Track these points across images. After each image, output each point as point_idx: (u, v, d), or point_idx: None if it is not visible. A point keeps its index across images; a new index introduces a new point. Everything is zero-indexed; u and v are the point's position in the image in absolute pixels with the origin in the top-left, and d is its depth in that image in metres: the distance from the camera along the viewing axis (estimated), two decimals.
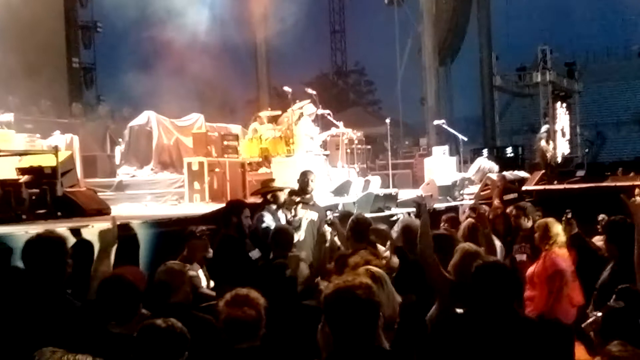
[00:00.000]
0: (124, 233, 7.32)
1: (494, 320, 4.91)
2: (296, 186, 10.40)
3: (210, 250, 8.18)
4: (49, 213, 10.47)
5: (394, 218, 12.65)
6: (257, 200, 10.95)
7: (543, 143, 23.77)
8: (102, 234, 5.33)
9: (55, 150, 12.07)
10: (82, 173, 14.18)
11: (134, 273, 5.19)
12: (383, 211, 13.27)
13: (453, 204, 15.87)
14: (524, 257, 9.06)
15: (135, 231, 8.53)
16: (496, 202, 12.69)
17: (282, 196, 10.16)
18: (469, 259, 5.82)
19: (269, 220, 9.47)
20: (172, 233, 8.92)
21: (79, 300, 5.01)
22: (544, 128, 26.43)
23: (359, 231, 7.70)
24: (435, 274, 5.83)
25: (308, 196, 10.15)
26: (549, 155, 23.46)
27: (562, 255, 7.99)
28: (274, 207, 9.98)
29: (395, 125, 27.67)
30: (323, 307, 3.57)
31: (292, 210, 9.94)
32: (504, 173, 18.07)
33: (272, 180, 10.61)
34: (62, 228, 7.20)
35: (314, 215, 9.92)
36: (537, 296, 7.97)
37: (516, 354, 4.79)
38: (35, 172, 11.17)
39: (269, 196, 10.17)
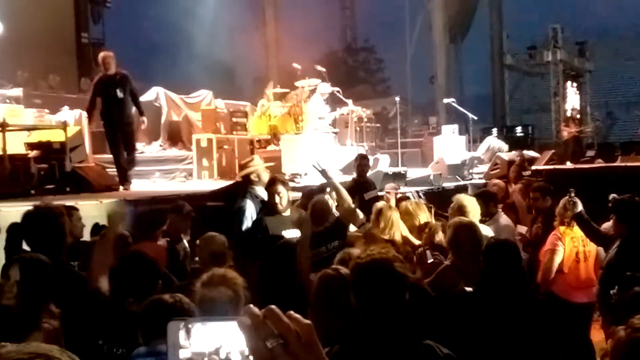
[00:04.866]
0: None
1: (502, 298, 4.89)
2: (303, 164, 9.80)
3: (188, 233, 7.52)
4: (58, 188, 10.48)
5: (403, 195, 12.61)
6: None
7: None
8: (112, 216, 5.13)
9: (64, 125, 12.08)
10: (90, 149, 14.17)
11: (154, 249, 5.16)
12: None
13: (462, 183, 15.83)
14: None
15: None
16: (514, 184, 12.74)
17: (265, 175, 8.90)
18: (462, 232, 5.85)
19: (249, 208, 8.45)
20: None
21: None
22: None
23: (318, 215, 7.37)
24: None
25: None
26: None
27: (571, 234, 7.93)
28: (258, 188, 8.66)
29: (405, 103, 27.58)
30: (354, 276, 3.47)
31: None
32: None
33: (252, 159, 9.67)
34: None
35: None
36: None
37: (522, 331, 4.77)
38: (44, 147, 11.19)
39: (252, 176, 8.88)
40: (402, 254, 4.74)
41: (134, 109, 12.26)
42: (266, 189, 8.22)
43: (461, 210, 7.41)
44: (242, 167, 9.67)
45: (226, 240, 6.26)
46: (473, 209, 7.45)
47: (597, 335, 7.13)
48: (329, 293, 4.10)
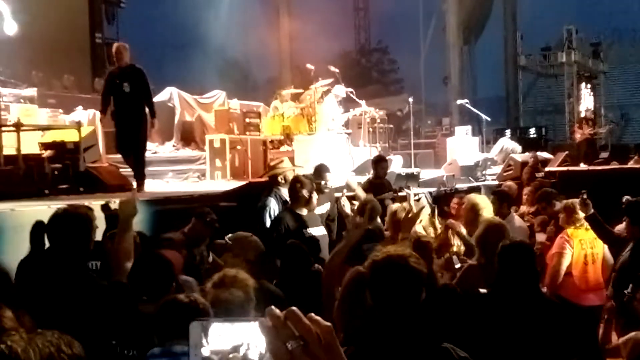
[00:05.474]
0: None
1: (518, 300, 4.87)
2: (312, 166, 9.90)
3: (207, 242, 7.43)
4: (71, 188, 10.51)
5: (416, 198, 12.60)
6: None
7: None
8: (123, 205, 5.17)
9: (77, 125, 12.10)
10: (104, 149, 14.20)
11: (173, 255, 5.18)
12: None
13: (475, 184, 15.79)
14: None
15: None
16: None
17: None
18: (492, 231, 5.83)
19: (273, 207, 8.68)
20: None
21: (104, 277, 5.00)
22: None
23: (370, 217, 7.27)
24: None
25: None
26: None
27: (579, 236, 7.89)
28: (284, 190, 8.85)
29: (418, 104, 27.54)
30: (370, 273, 3.49)
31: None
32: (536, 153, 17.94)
33: (281, 161, 9.87)
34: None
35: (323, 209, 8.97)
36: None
37: (535, 334, 4.75)
38: (58, 147, 11.21)
39: (279, 177, 9.17)
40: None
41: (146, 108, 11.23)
42: (290, 184, 8.34)
43: (474, 209, 7.41)
44: (271, 167, 9.78)
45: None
46: (486, 206, 7.47)
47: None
48: (358, 291, 4.10)
